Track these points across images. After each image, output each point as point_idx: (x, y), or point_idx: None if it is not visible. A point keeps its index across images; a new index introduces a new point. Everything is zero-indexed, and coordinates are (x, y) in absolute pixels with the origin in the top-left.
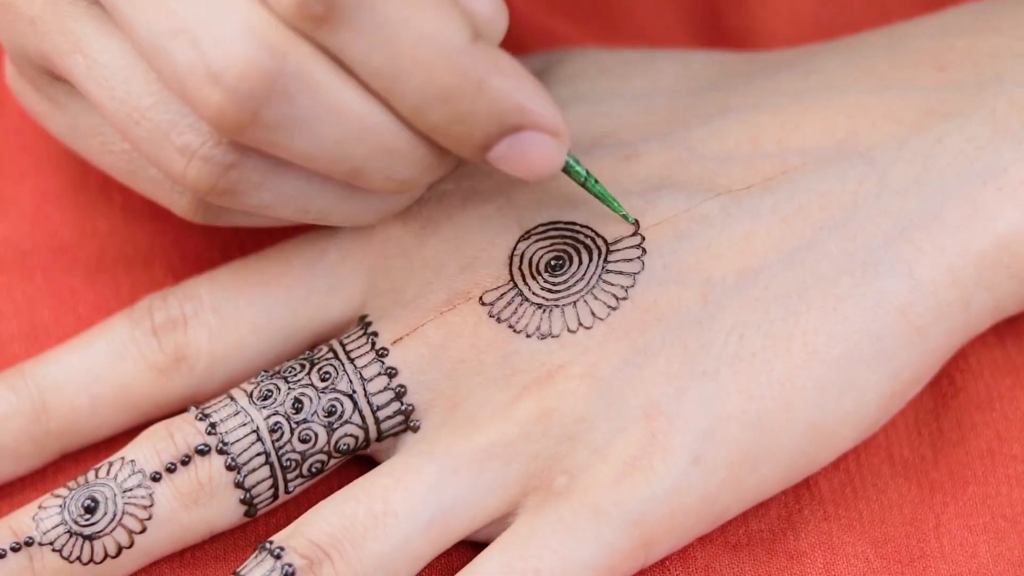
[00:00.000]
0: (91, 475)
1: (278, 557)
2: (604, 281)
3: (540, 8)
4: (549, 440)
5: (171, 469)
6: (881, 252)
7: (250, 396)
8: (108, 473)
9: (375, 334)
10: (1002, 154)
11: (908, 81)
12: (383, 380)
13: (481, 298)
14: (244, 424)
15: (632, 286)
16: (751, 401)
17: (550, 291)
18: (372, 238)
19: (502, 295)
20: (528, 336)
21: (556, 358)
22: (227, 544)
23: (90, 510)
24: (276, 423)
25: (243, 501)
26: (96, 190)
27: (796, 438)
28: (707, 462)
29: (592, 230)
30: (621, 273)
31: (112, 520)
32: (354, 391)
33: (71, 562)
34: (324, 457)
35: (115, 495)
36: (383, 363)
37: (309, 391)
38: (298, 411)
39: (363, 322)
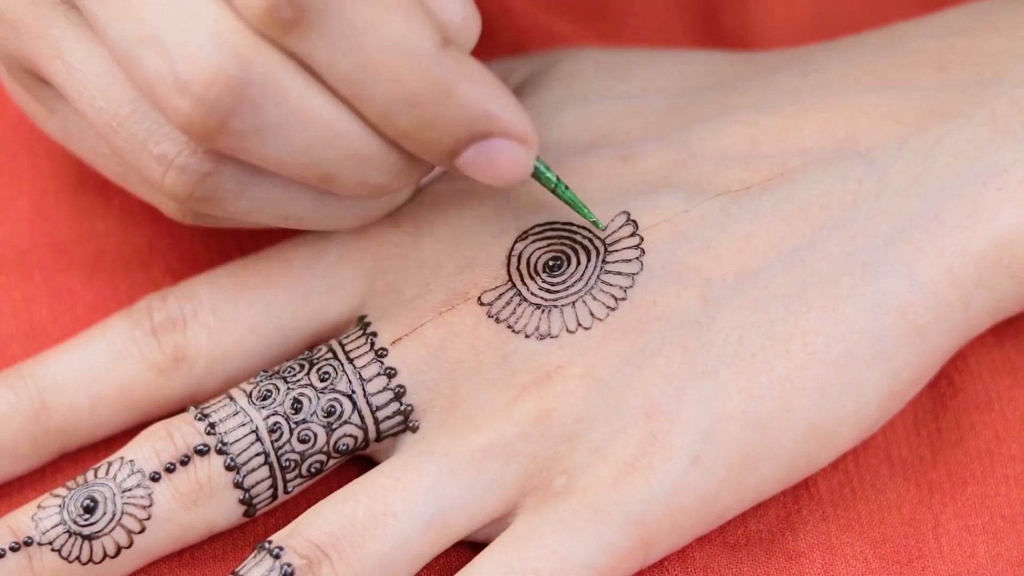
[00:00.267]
0: (90, 475)
1: (277, 557)
2: (603, 282)
3: (538, 7)
4: (548, 440)
5: (170, 469)
6: (881, 252)
7: (249, 396)
8: (107, 473)
9: (374, 334)
10: (1002, 154)
11: (908, 81)
12: (382, 380)
13: (479, 298)
14: (243, 424)
15: (631, 287)
16: (751, 401)
17: (548, 291)
18: (370, 239)
19: (500, 295)
20: (527, 336)
21: (555, 358)
22: (226, 544)
23: (89, 510)
24: (275, 423)
25: (242, 501)
26: (94, 190)
27: (796, 438)
28: (707, 462)
29: (590, 230)
30: (620, 274)
31: (111, 520)
32: (353, 391)
33: (70, 562)
34: (323, 457)
35: (114, 495)
36: (382, 363)
37: (308, 391)
38: (297, 411)
39: (362, 322)
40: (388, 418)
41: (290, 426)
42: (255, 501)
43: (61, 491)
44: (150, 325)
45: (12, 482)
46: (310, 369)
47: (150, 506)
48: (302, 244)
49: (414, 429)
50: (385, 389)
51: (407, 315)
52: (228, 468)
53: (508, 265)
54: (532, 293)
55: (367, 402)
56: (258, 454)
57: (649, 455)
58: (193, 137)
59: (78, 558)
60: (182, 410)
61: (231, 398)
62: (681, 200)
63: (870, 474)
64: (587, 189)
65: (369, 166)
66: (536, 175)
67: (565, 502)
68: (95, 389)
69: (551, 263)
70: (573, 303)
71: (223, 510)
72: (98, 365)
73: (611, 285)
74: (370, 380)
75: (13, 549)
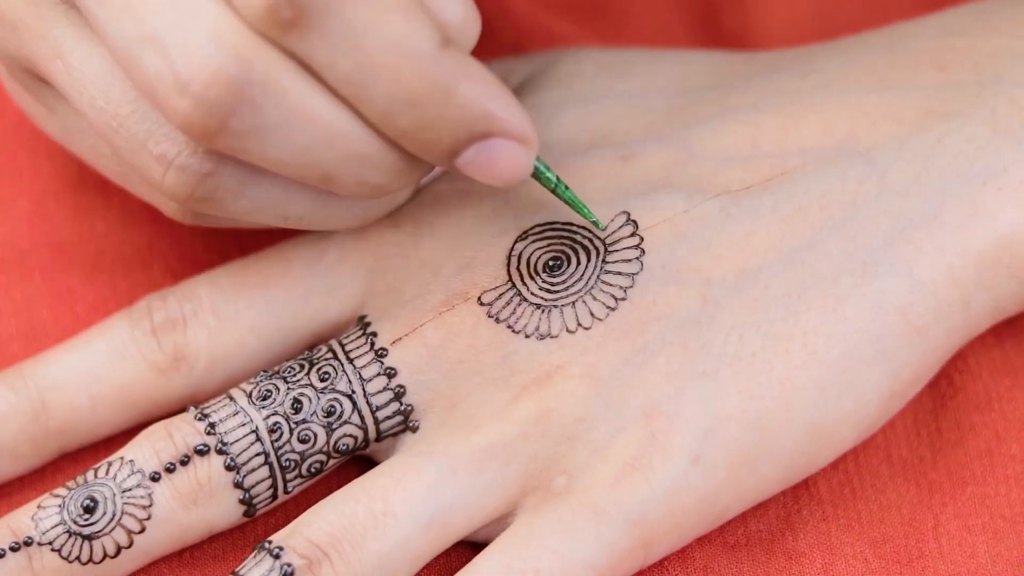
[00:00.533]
0: (90, 475)
1: (277, 557)
2: (603, 282)
3: (538, 7)
4: (548, 440)
5: (170, 469)
6: (881, 252)
7: (249, 396)
8: (107, 473)
9: (374, 334)
10: (1002, 154)
11: (908, 81)
12: (382, 380)
13: (479, 298)
14: (243, 424)
15: (631, 287)
16: (751, 401)
17: (549, 291)
18: (370, 239)
19: (500, 295)
20: (527, 336)
21: (555, 358)
22: (226, 544)
23: (89, 510)
24: (275, 423)
25: (242, 501)
26: (94, 190)
27: (796, 438)
28: (707, 462)
29: (590, 230)
30: (620, 274)
31: (111, 520)
32: (353, 391)
33: (70, 562)
34: (323, 457)
35: (114, 495)
36: (382, 363)
37: (308, 391)
38: (297, 411)
39: (362, 322)
40: (388, 418)
41: (290, 426)
42: (255, 501)
43: (61, 491)
44: (150, 325)
45: (12, 482)
46: (310, 369)
47: (150, 506)
48: (302, 244)
49: (414, 429)
50: (385, 389)
51: (407, 315)
52: (228, 468)
53: (508, 265)
54: (532, 293)
55: (367, 402)
56: (258, 454)
57: (649, 455)
58: (193, 137)
59: (78, 558)
60: (182, 410)
61: (231, 398)
62: (681, 200)
63: (870, 474)
64: (587, 189)
65: (369, 166)
66: (536, 175)
67: (565, 502)
68: (95, 389)
69: (551, 263)
70: (573, 303)
71: (223, 510)
72: (98, 365)
73: (611, 285)
74: (370, 380)
75: (13, 549)
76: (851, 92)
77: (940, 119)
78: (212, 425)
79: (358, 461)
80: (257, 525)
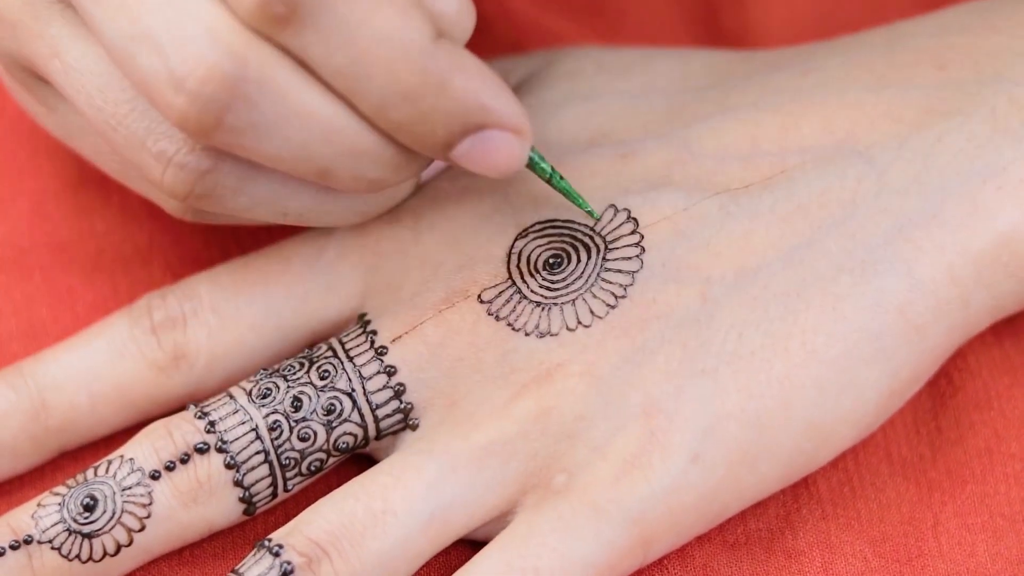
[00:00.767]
0: (90, 473)
1: (277, 555)
2: (603, 279)
3: (538, 7)
4: (548, 438)
5: (170, 467)
6: (880, 251)
7: (249, 394)
8: (107, 471)
9: (374, 332)
10: (1002, 153)
11: (908, 80)
12: (382, 378)
13: (480, 296)
14: (243, 422)
15: (631, 284)
16: (750, 400)
17: (549, 289)
18: (370, 236)
19: (500, 293)
20: (527, 334)
21: (555, 356)
22: (226, 542)
23: (89, 508)
24: (275, 421)
25: (242, 499)
26: (94, 189)
27: (795, 437)
28: (706, 460)
29: (590, 228)
30: (620, 271)
31: (111, 518)
32: (353, 389)
33: (70, 560)
34: (323, 455)
35: (114, 493)
36: (382, 361)
37: (308, 389)
38: (297, 409)
39: (362, 320)
40: (388, 416)
41: (290, 424)
42: (255, 499)
43: (61, 489)
44: (150, 323)
45: (12, 480)
46: (310, 367)
47: (150, 504)
48: (301, 242)
49: (414, 427)
50: (385, 387)
51: (407, 313)
52: (228, 466)
53: (508, 263)
54: (532, 291)
55: (367, 400)
56: (258, 452)
57: (648, 453)
58: (190, 134)
59: (78, 556)
60: (182, 408)
61: (231, 396)
62: (681, 198)
63: (870, 473)
64: (587, 187)
65: (366, 160)
66: (531, 165)
67: (565, 500)
68: (95, 387)
69: (551, 261)
70: (573, 301)
71: (223, 508)
72: (98, 363)
73: (611, 283)
74: (370, 378)
75: (13, 547)
76: (851, 91)
77: (940, 118)
78: (212, 423)
79: (358, 459)
80: (257, 523)
